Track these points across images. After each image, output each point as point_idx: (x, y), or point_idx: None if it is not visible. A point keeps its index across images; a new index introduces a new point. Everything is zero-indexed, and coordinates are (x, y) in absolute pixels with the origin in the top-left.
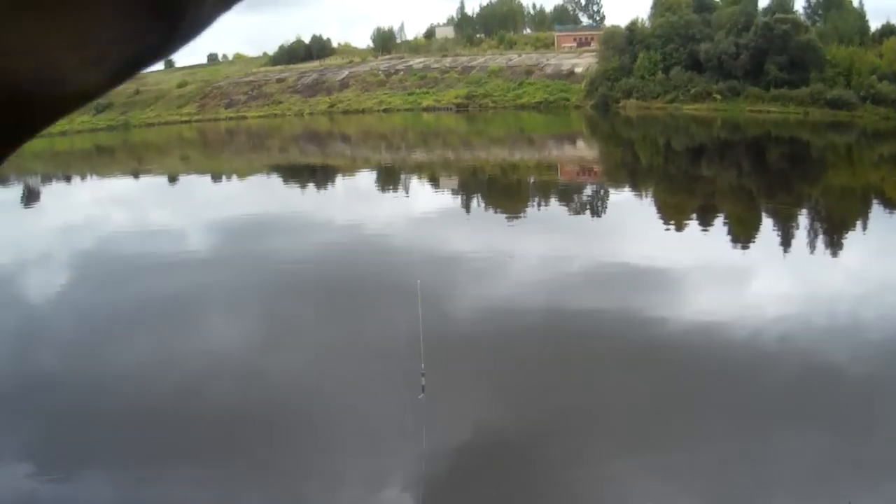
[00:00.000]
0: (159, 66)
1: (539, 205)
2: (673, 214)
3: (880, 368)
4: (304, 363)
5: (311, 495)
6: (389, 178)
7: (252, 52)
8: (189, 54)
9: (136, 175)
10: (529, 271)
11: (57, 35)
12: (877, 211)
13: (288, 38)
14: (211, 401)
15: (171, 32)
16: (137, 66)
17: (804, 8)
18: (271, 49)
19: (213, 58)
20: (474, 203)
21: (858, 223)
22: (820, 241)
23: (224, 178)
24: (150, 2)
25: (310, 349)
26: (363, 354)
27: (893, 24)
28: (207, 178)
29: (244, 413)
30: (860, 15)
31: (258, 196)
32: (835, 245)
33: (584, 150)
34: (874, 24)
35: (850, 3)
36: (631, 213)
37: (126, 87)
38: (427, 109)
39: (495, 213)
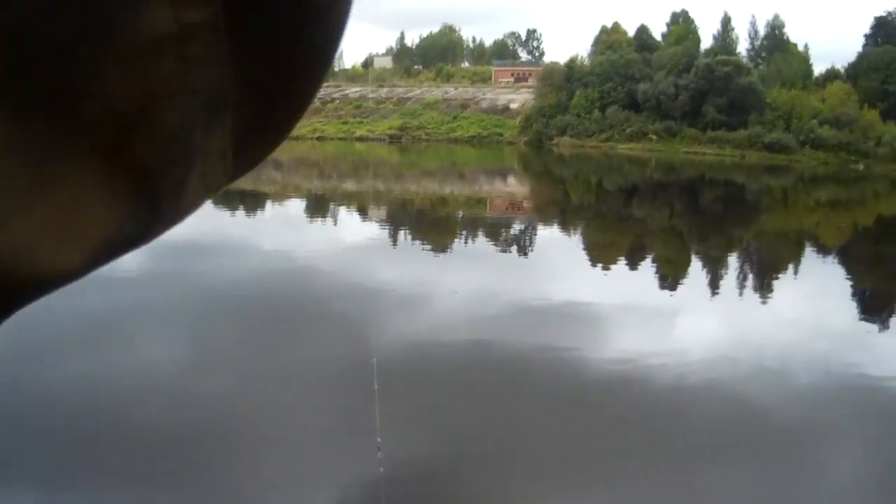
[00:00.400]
0: None
1: (467, 239)
2: (602, 254)
3: (807, 413)
4: (228, 388)
5: None
6: (319, 207)
7: None
8: None
9: None
10: (455, 306)
11: (32, 215)
12: (810, 256)
13: None
14: (137, 423)
15: (152, 219)
16: (119, 250)
17: (748, 50)
18: None
19: None
20: (401, 235)
21: (790, 268)
22: (750, 285)
23: None
24: (129, 189)
25: (235, 374)
26: (289, 381)
27: (837, 69)
28: None
29: (172, 435)
30: (804, 59)
31: (186, 221)
32: (765, 289)
33: (515, 186)
34: (819, 68)
35: (795, 46)
36: (559, 250)
37: None
38: (360, 139)
39: (423, 245)
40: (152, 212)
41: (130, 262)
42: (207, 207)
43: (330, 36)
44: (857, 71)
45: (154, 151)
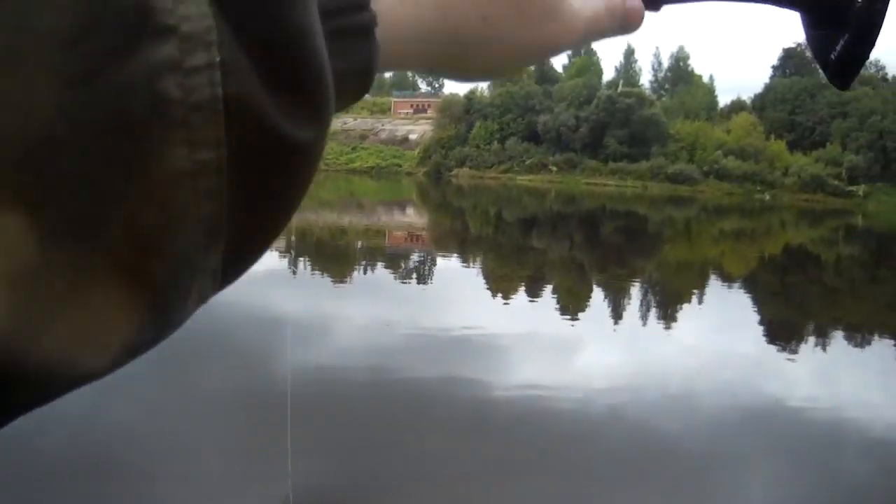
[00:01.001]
0: None
1: (366, 269)
2: (501, 284)
3: (711, 441)
4: (128, 417)
5: None
6: None
7: None
8: None
9: None
10: (355, 336)
11: (64, 324)
12: (714, 285)
13: None
14: (33, 454)
15: (160, 329)
16: (131, 355)
17: (651, 82)
18: None
19: None
20: (301, 265)
21: (694, 297)
22: (653, 315)
23: None
24: (144, 302)
25: (134, 402)
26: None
27: (743, 101)
28: None
29: (74, 460)
30: (709, 90)
31: None
32: (668, 318)
33: (414, 217)
34: (724, 100)
35: (700, 78)
36: (458, 281)
37: None
38: None
39: (322, 276)
40: (161, 322)
41: None
42: None
43: (309, 172)
44: (763, 102)
45: (167, 270)
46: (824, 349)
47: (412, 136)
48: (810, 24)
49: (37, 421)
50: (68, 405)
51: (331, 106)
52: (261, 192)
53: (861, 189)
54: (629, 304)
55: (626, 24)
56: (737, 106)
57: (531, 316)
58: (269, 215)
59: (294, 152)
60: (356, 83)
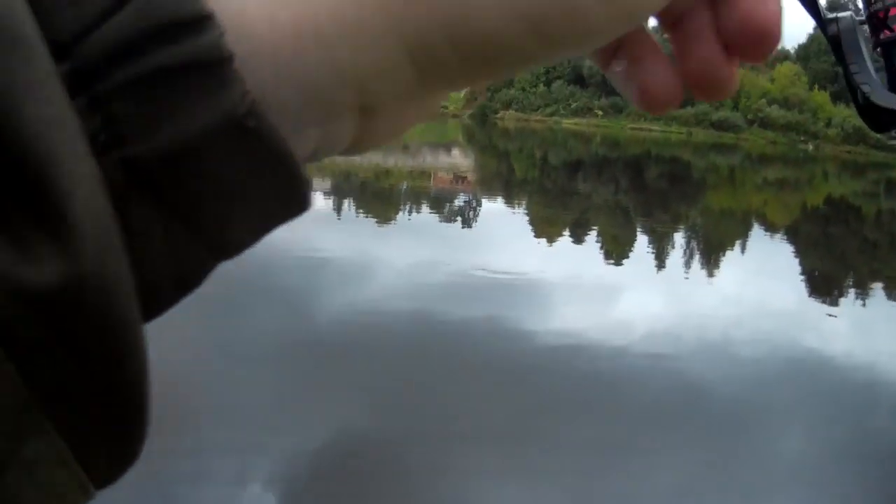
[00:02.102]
0: None
1: (410, 211)
2: (546, 228)
3: (750, 389)
4: (168, 354)
5: (175, 492)
6: None
7: None
8: None
9: None
10: (397, 278)
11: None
12: (757, 234)
13: None
14: None
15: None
16: None
17: None
18: None
19: None
20: (345, 207)
21: (737, 245)
22: (696, 262)
23: None
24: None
25: (172, 343)
26: (226, 350)
27: (787, 50)
28: None
29: None
30: None
31: None
32: (711, 266)
33: (459, 159)
34: None
35: None
36: (503, 224)
37: None
38: None
39: (366, 217)
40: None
41: None
42: None
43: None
44: (807, 52)
45: None
46: (864, 303)
47: None
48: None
49: None
50: None
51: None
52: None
53: None
54: (672, 250)
55: None
56: (781, 55)
57: (575, 260)
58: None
59: (35, 305)
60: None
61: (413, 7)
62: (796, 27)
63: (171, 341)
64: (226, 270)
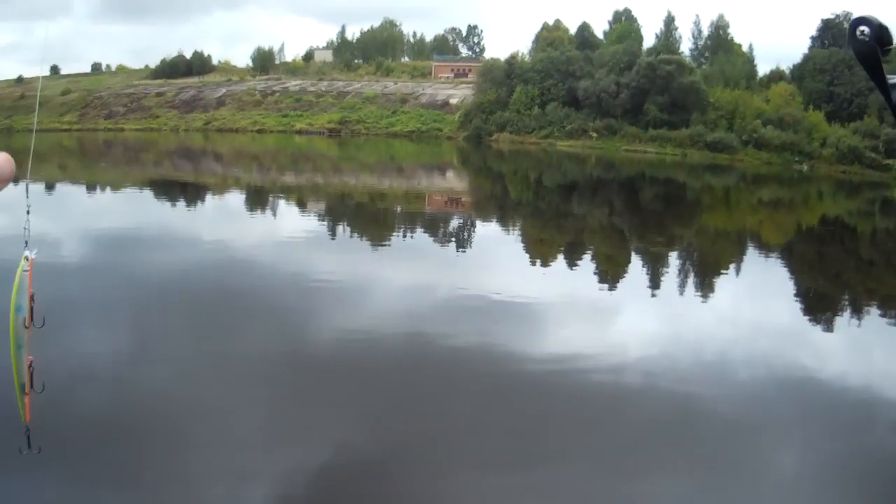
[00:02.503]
0: (45, 71)
1: (405, 234)
2: (540, 250)
3: (746, 410)
4: (169, 375)
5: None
6: (258, 199)
7: (136, 63)
8: (74, 61)
9: (15, 182)
10: (392, 299)
11: None
12: (752, 254)
13: (171, 52)
14: (74, 407)
15: None
16: None
17: (691, 50)
18: (154, 62)
19: (97, 67)
20: (340, 229)
21: (732, 266)
22: (690, 283)
23: (98, 189)
24: None
25: (172, 363)
26: (225, 369)
27: (782, 70)
28: (82, 189)
29: (110, 419)
30: (748, 59)
31: (129, 209)
32: (706, 287)
33: (454, 181)
34: (763, 69)
35: (739, 47)
36: (497, 246)
37: (12, 91)
38: (300, 132)
39: (360, 239)
40: None
41: (72, 252)
42: (147, 198)
43: None
44: (802, 72)
45: None
46: (858, 321)
47: (452, 101)
48: None
49: (71, 385)
50: (103, 365)
51: None
52: None
53: None
54: (667, 271)
55: None
56: (775, 75)
57: (570, 282)
58: None
59: None
60: None
61: None
62: (791, 48)
63: (167, 364)
64: (225, 290)
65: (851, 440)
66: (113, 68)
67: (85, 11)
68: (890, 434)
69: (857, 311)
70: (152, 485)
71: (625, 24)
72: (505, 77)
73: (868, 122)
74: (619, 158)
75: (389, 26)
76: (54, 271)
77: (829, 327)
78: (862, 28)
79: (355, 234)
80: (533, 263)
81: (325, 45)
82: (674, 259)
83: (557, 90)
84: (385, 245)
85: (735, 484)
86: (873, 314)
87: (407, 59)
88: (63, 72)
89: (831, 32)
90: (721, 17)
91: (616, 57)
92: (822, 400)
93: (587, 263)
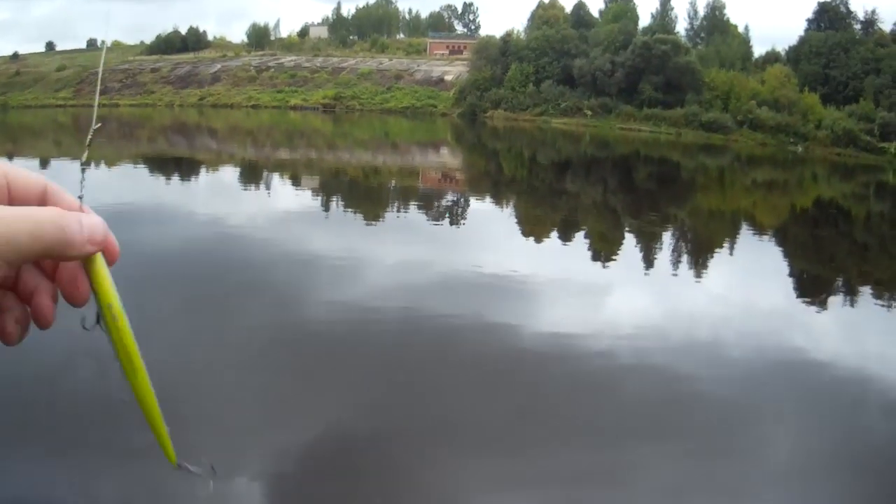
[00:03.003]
0: (40, 48)
1: (399, 210)
2: (534, 227)
3: (739, 390)
4: (161, 353)
5: (163, 484)
6: (252, 175)
7: (131, 40)
8: (70, 38)
9: (10, 157)
10: (386, 275)
11: None
12: (745, 235)
13: (166, 28)
14: (70, 386)
15: None
16: None
17: (686, 30)
18: (150, 38)
19: (92, 43)
20: (334, 205)
21: (726, 245)
22: (684, 262)
23: (93, 165)
24: None
25: (166, 340)
26: (219, 346)
27: (778, 52)
28: (76, 165)
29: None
30: (744, 40)
31: (123, 185)
32: (699, 266)
33: (448, 157)
34: (759, 51)
35: (735, 28)
36: (491, 222)
37: (7, 68)
38: (294, 108)
39: (354, 215)
40: None
41: None
42: (141, 174)
43: None
44: (798, 55)
45: None
46: (852, 304)
47: (447, 77)
48: None
49: (64, 362)
50: (97, 343)
51: None
52: None
53: (893, 146)
54: (660, 250)
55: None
56: (771, 57)
57: (563, 259)
58: None
59: None
60: None
61: None
62: (787, 30)
63: (167, 340)
64: (219, 265)
65: (844, 423)
66: (108, 44)
67: None
68: (882, 418)
69: (851, 294)
70: (143, 464)
71: (621, 3)
72: (500, 55)
73: (863, 106)
74: (613, 137)
75: (385, 3)
76: None
77: (822, 309)
78: None
79: (349, 210)
80: (526, 240)
81: (320, 21)
82: (667, 238)
83: (552, 68)
84: (379, 221)
85: (728, 465)
86: (867, 297)
87: (402, 36)
88: (59, 48)
89: (828, 15)
90: None
91: (612, 36)
92: (815, 382)
93: (580, 241)
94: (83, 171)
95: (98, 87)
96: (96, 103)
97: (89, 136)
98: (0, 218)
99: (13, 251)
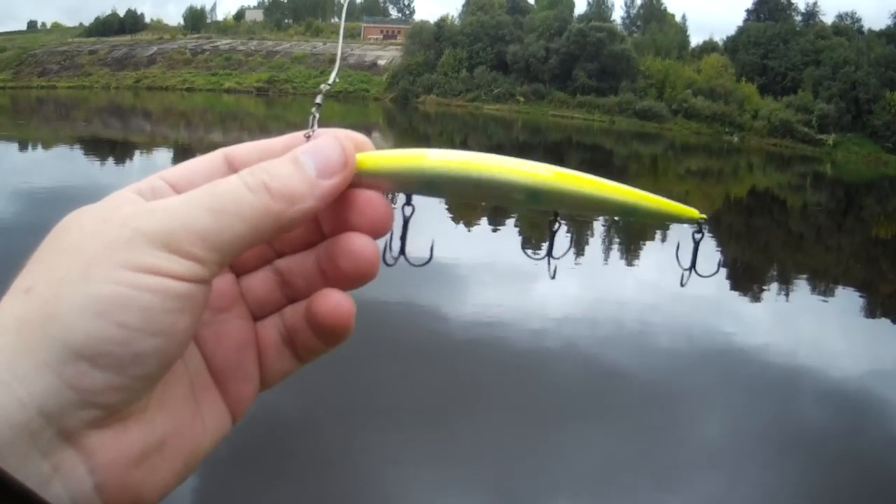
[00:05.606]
0: None
1: None
2: (463, 213)
3: (668, 377)
4: None
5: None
6: (185, 157)
7: (71, 21)
8: (10, 19)
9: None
10: None
11: None
12: (676, 224)
13: (105, 10)
14: None
15: None
16: None
17: (623, 18)
18: (89, 20)
19: (32, 25)
20: None
21: (657, 234)
22: (615, 250)
23: (29, 147)
24: None
25: None
26: None
27: (715, 42)
28: (14, 147)
29: None
30: (681, 29)
31: (57, 167)
32: (630, 254)
33: (379, 141)
34: (696, 40)
35: (672, 17)
36: (419, 209)
37: None
38: (228, 91)
39: None
40: None
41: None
42: (76, 154)
43: None
44: (735, 44)
45: None
46: (786, 294)
47: (381, 62)
48: None
49: None
50: None
51: None
52: None
53: (831, 138)
54: (590, 238)
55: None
56: (708, 46)
57: (492, 245)
58: None
59: None
60: None
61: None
62: (725, 19)
63: None
64: None
65: (773, 408)
66: (48, 26)
67: None
68: (812, 403)
69: (785, 284)
70: None
71: None
72: (434, 40)
73: (802, 97)
74: (545, 123)
75: None
76: None
77: (755, 298)
78: None
79: None
80: (456, 225)
81: (256, 4)
82: (598, 226)
83: (486, 54)
84: None
85: (657, 445)
86: (801, 287)
87: (336, 19)
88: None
89: (767, 6)
90: None
91: (547, 22)
92: (746, 369)
93: (510, 227)
94: (317, 107)
95: (342, 27)
96: (340, 39)
97: (334, 72)
98: (162, 210)
99: (214, 246)
